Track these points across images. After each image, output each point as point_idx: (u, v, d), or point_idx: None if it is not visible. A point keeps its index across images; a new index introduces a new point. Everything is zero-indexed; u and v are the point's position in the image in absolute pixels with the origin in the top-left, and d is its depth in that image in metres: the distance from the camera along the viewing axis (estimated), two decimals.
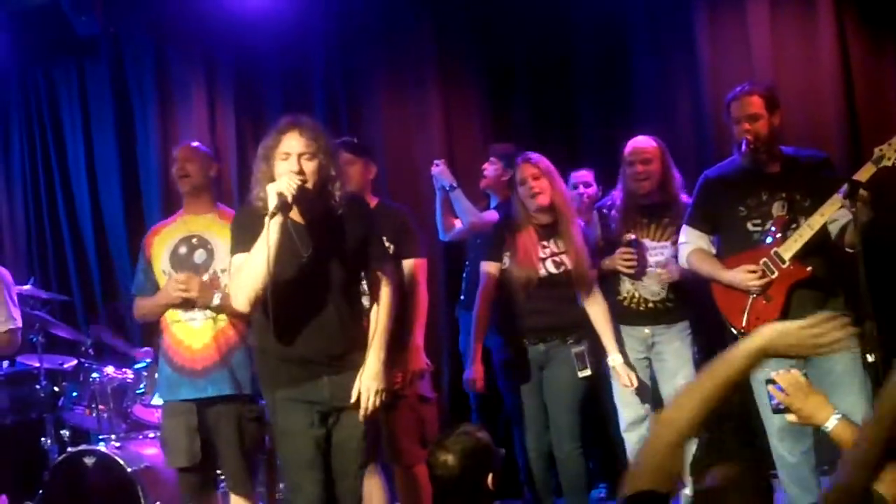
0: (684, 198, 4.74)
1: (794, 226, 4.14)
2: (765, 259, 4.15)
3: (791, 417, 2.83)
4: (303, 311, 3.61)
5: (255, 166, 3.63)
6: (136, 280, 4.56)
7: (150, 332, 5.38)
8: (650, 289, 4.69)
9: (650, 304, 4.70)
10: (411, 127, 6.49)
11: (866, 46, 5.50)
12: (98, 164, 7.07)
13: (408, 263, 4.49)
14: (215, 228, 4.41)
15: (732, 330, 4.29)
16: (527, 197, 4.59)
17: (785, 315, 4.14)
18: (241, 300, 3.54)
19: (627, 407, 4.69)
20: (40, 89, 7.28)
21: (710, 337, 4.86)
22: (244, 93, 6.86)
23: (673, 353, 4.68)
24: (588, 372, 4.55)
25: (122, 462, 4.98)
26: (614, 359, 4.58)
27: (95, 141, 7.09)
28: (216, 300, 4.16)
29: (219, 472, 4.63)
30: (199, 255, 4.38)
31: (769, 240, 4.17)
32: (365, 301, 3.91)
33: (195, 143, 4.69)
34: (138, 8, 6.81)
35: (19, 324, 5.08)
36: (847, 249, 4.06)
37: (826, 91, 5.43)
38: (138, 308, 4.53)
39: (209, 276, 4.31)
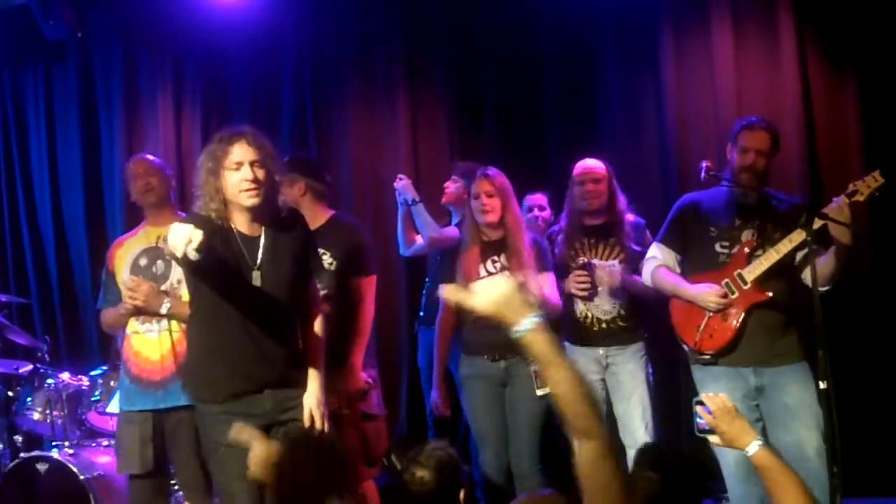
0: (629, 218, 4.83)
1: (759, 252, 4.18)
2: (727, 279, 4.20)
3: (714, 440, 2.89)
4: (248, 324, 3.56)
5: (199, 178, 3.59)
6: (100, 294, 4.52)
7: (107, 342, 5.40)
8: (602, 308, 4.75)
9: (603, 325, 4.75)
10: (378, 140, 6.51)
11: (827, 77, 5.59)
12: (61, 168, 7.03)
13: (356, 280, 4.47)
14: None
15: (684, 347, 4.34)
16: (477, 211, 4.64)
17: (739, 336, 4.19)
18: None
19: None
20: (5, 91, 7.22)
21: (665, 359, 4.93)
22: (212, 100, 6.86)
23: (628, 374, 4.74)
24: (546, 390, 4.56)
25: (75, 469, 4.92)
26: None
27: (59, 145, 7.05)
28: (164, 308, 4.04)
29: (173, 482, 4.61)
30: (159, 266, 4.37)
31: (733, 262, 4.21)
32: None
33: (150, 157, 4.65)
34: (107, 13, 6.79)
35: None
36: (802, 278, 4.14)
37: (787, 120, 5.50)
38: (103, 321, 4.50)
39: (167, 286, 4.28)
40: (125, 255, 4.43)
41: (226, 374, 3.60)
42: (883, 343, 5.44)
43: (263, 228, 3.63)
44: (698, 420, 2.91)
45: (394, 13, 6.50)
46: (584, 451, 2.33)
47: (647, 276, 4.49)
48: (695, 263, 4.38)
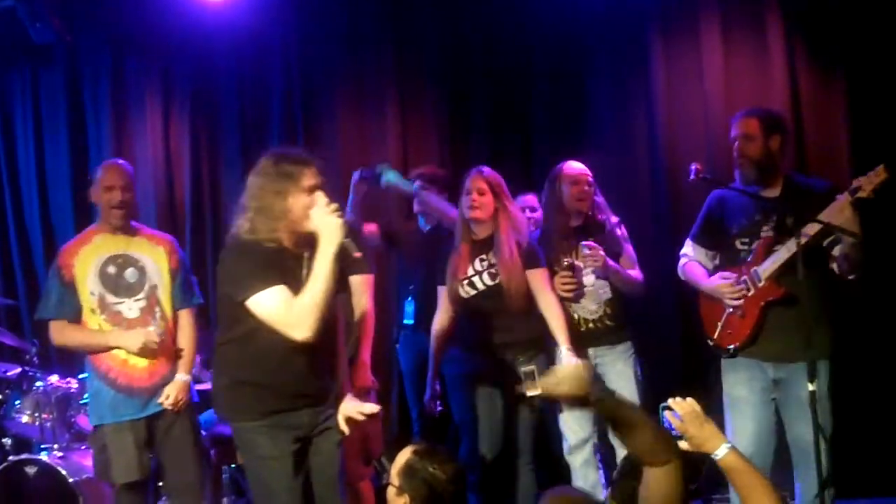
0: (613, 219, 4.86)
1: (776, 247, 4.17)
2: (744, 277, 4.22)
3: (684, 444, 2.86)
4: (291, 344, 3.45)
5: (256, 198, 3.50)
6: (47, 303, 4.43)
7: None
8: (588, 308, 4.76)
9: (590, 325, 4.76)
10: (368, 147, 6.49)
11: (815, 78, 5.62)
12: (49, 170, 6.97)
13: (355, 280, 4.47)
14: (140, 247, 4.44)
15: (709, 341, 4.38)
16: (465, 207, 4.66)
17: (757, 333, 4.21)
18: (307, 330, 3.37)
19: (571, 430, 4.73)
20: None
21: (654, 357, 4.94)
22: (200, 105, 6.82)
23: (616, 374, 4.74)
24: (537, 391, 4.54)
25: (63, 472, 4.94)
26: (561, 350, 4.52)
27: (47, 148, 7.00)
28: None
29: (160, 483, 4.62)
30: (131, 274, 4.39)
31: (751, 258, 4.24)
32: None
33: (121, 163, 4.64)
34: (95, 17, 6.75)
35: None
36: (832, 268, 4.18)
37: None
38: (64, 335, 4.44)
39: (143, 294, 4.34)
40: (87, 263, 4.39)
41: (266, 395, 3.55)
42: (886, 342, 5.44)
43: (307, 246, 3.54)
44: (666, 426, 2.88)
45: (383, 22, 6.49)
46: (663, 474, 2.49)
47: (679, 272, 4.54)
48: (721, 260, 4.42)
